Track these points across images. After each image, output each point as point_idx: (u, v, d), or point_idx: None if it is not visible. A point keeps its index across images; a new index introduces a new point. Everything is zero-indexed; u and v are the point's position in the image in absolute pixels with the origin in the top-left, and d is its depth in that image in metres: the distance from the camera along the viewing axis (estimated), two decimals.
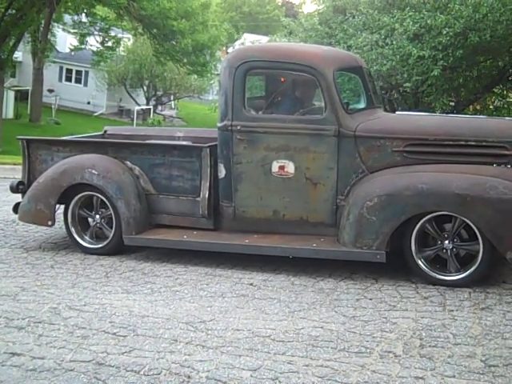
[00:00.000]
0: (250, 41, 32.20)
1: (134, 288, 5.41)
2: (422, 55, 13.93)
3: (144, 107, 40.73)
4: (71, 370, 3.88)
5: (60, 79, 42.83)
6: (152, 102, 43.06)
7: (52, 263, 6.12)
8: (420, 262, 5.39)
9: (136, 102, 40.88)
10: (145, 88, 43.13)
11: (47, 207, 6.38)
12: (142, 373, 3.84)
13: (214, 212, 6.16)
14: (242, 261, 6.06)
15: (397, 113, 6.54)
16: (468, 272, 5.26)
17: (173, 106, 47.20)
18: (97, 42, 36.81)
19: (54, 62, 39.03)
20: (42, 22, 32.84)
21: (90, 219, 6.56)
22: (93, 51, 35.77)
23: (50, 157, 6.66)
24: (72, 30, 39.69)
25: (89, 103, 41.91)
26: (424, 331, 4.44)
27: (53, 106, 36.93)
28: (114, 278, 5.68)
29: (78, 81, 43.27)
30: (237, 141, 5.90)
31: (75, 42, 39.08)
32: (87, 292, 5.30)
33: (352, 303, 5.02)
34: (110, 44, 35.67)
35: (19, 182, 6.80)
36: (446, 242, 5.35)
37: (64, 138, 7.56)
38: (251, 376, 3.80)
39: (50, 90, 37.66)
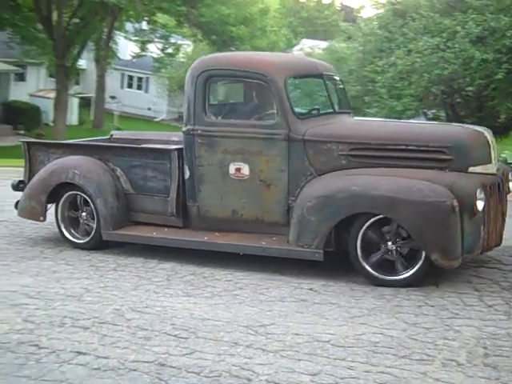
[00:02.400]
0: (308, 46, 32.16)
1: (195, 291, 5.48)
2: (486, 58, 13.68)
3: None
4: (134, 370, 3.95)
5: (122, 86, 43.74)
6: None
7: (115, 266, 6.25)
8: (365, 265, 5.57)
9: None
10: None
11: (39, 204, 6.90)
12: (202, 374, 3.88)
13: (183, 211, 6.50)
14: (301, 266, 6.06)
15: (354, 118, 6.75)
16: (415, 269, 5.42)
17: None
18: (157, 48, 37.42)
19: (116, 69, 39.92)
20: (105, 30, 33.62)
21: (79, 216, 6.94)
22: (153, 58, 36.40)
23: (47, 158, 7.12)
24: (133, 38, 40.44)
25: (150, 109, 42.61)
26: (488, 340, 4.35)
27: (115, 113, 37.70)
28: (175, 282, 5.77)
29: (139, 87, 44.10)
30: (198, 144, 6.25)
31: (136, 50, 39.82)
32: (149, 294, 5.40)
33: (413, 310, 4.95)
34: (170, 51, 36.22)
35: (20, 181, 7.31)
36: (389, 243, 5.50)
37: (59, 141, 7.99)
38: (311, 381, 3.79)
39: (112, 97, 38.47)
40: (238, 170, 6.12)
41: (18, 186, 7.31)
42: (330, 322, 4.71)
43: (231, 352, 4.21)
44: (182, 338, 4.46)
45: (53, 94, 31.51)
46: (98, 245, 6.75)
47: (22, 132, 28.93)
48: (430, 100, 16.33)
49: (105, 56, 32.64)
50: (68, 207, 6.94)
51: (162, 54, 35.92)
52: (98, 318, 4.84)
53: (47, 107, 33.66)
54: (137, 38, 38.50)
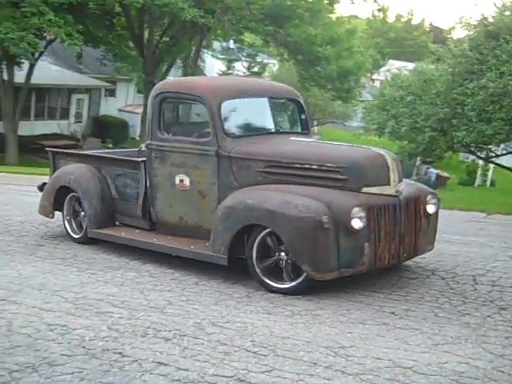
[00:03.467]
0: (395, 67, 31.74)
1: (275, 309, 5.48)
2: None
3: None
4: None
5: None
6: None
7: (197, 280, 6.33)
8: (258, 271, 6.05)
9: None
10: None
11: (49, 204, 7.99)
12: None
13: (149, 215, 7.25)
14: (384, 289, 5.98)
15: (290, 139, 6.99)
16: (299, 280, 5.85)
17: (315, 132, 47.53)
18: (243, 67, 37.98)
19: None
20: (193, 48, 34.39)
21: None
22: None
23: (65, 164, 8.16)
24: (220, 56, 41.22)
25: None
26: None
27: None
28: (255, 298, 5.79)
29: None
30: (154, 157, 7.02)
31: (223, 68, 40.53)
32: (229, 310, 5.44)
33: (500, 341, 4.78)
34: (256, 69, 36.65)
35: (43, 183, 8.35)
36: (283, 253, 5.93)
37: (71, 151, 9.05)
38: None
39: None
40: (182, 181, 6.82)
41: (42, 188, 8.33)
42: (412, 348, 4.61)
43: (310, 372, 4.18)
44: (261, 355, 4.47)
45: (140, 109, 32.41)
46: (88, 240, 7.64)
47: (110, 145, 29.83)
48: None
49: (192, 73, 33.31)
50: (70, 207, 7.91)
51: (248, 73, 36.33)
52: (180, 330, 4.91)
53: (135, 122, 34.69)
54: (224, 57, 39.23)
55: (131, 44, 32.10)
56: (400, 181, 6.17)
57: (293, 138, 6.95)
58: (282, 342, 4.69)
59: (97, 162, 7.81)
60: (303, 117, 7.53)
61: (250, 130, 7.07)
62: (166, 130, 7.08)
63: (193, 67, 33.62)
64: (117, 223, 7.67)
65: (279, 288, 5.93)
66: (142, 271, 6.59)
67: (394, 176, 6.02)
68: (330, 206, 5.68)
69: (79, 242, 7.71)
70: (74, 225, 7.88)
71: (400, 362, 4.36)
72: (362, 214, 5.68)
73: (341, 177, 5.95)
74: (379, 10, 65.54)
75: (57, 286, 5.99)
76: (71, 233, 7.89)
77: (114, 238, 7.41)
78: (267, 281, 6.00)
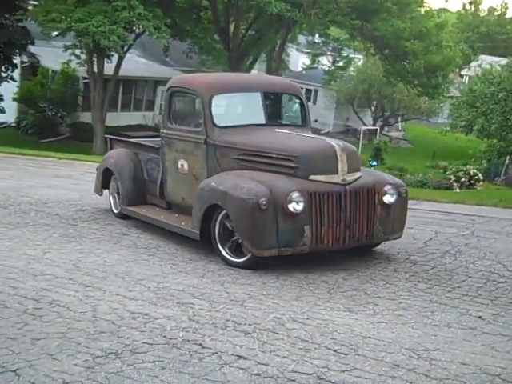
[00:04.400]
0: (487, 62, 30.71)
1: (356, 307, 5.38)
2: None
3: (370, 127, 40.77)
4: (293, 380, 3.94)
5: None
6: (379, 123, 42.95)
7: (277, 274, 6.29)
8: (219, 247, 6.66)
9: (363, 122, 41.09)
10: (372, 108, 43.19)
11: (99, 183, 9.02)
12: None
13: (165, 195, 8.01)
14: (470, 291, 5.78)
15: (275, 130, 7.33)
16: (246, 257, 6.46)
17: (400, 128, 46.69)
18: (328, 61, 37.71)
19: None
20: (278, 42, 34.40)
21: None
22: (324, 70, 36.70)
23: (118, 149, 9.02)
24: (305, 50, 41.06)
25: (316, 121, 42.91)
26: None
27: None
28: (336, 295, 5.70)
29: (307, 99, 44.47)
30: (164, 144, 7.82)
31: (307, 62, 40.37)
32: (310, 306, 5.37)
33: None
34: (340, 64, 36.30)
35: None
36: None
37: (120, 138, 9.73)
38: None
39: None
40: (182, 165, 7.55)
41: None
42: (501, 355, 4.42)
43: (392, 374, 4.08)
44: (341, 353, 4.39)
45: None
46: (123, 215, 8.53)
47: None
48: None
49: (276, 67, 33.34)
50: (113, 186, 8.79)
51: (333, 67, 36.05)
52: (260, 324, 4.88)
53: None
54: (308, 51, 39.05)
55: (217, 37, 32.42)
56: (353, 171, 6.55)
57: (277, 129, 7.36)
58: (363, 342, 4.60)
59: (135, 148, 8.67)
60: (302, 110, 7.96)
61: (238, 122, 7.51)
62: (173, 120, 7.84)
63: (277, 61, 33.64)
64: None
65: (234, 262, 6.54)
66: (223, 263, 6.60)
67: (342, 166, 6.45)
68: (272, 190, 6.25)
69: (117, 216, 8.64)
70: (116, 201, 8.74)
71: (487, 368, 4.19)
72: (300, 199, 6.19)
73: (293, 165, 6.49)
74: (471, 3, 63.62)
75: (140, 275, 6.09)
76: (113, 208, 8.81)
77: (137, 214, 8.20)
78: (226, 255, 6.62)
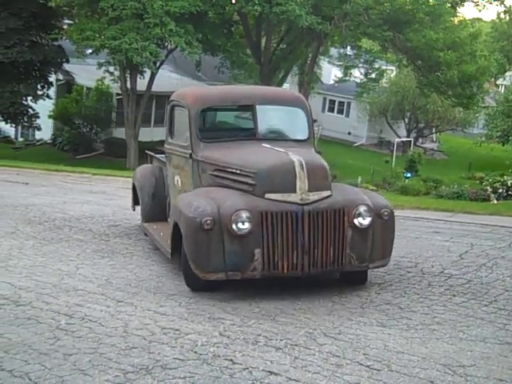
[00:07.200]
0: None
1: (390, 322, 5.29)
2: None
3: (404, 139, 40.39)
4: None
5: (323, 110, 44.41)
6: (413, 135, 42.55)
7: (308, 289, 6.24)
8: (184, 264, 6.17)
9: (396, 134, 40.75)
10: (406, 120, 42.83)
11: (132, 198, 8.93)
12: None
13: None
14: (507, 306, 5.64)
15: (262, 145, 6.76)
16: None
17: (434, 139, 46.18)
18: (360, 73, 37.52)
19: (319, 93, 40.60)
20: (310, 55, 34.38)
21: None
22: (356, 83, 36.53)
23: (145, 165, 9.18)
24: (337, 63, 40.96)
25: (349, 134, 42.77)
26: None
27: (315, 136, 38.27)
28: (369, 310, 5.62)
29: (339, 111, 44.47)
30: (167, 160, 7.88)
31: (339, 74, 40.24)
32: (342, 321, 5.31)
33: None
34: (373, 76, 36.10)
35: None
36: None
37: (152, 153, 9.38)
38: None
39: (314, 120, 39.10)
40: (177, 181, 7.43)
41: None
42: None
43: None
44: (374, 369, 4.32)
45: None
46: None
47: None
48: None
49: (308, 80, 33.31)
50: None
51: (365, 79, 35.88)
52: (291, 339, 4.83)
53: None
54: (340, 63, 38.94)
55: (248, 51, 32.55)
56: (317, 189, 5.96)
57: (264, 144, 6.74)
58: (396, 357, 4.52)
59: (160, 163, 8.61)
60: (305, 123, 7.49)
61: (225, 137, 7.24)
62: (173, 135, 7.75)
63: (309, 74, 33.59)
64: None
65: (195, 285, 6.12)
66: (255, 279, 6.55)
67: (301, 184, 5.90)
68: (220, 209, 5.84)
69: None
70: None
71: None
72: (246, 219, 5.73)
73: (251, 181, 6.13)
74: (505, 12, 62.85)
75: (171, 290, 6.09)
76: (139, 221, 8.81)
77: (146, 231, 8.12)
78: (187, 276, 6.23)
